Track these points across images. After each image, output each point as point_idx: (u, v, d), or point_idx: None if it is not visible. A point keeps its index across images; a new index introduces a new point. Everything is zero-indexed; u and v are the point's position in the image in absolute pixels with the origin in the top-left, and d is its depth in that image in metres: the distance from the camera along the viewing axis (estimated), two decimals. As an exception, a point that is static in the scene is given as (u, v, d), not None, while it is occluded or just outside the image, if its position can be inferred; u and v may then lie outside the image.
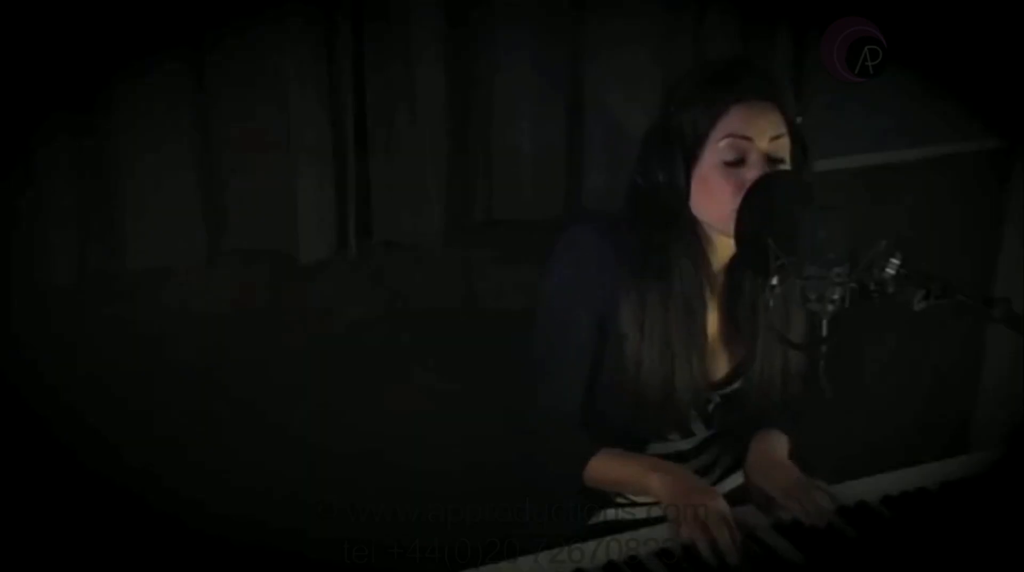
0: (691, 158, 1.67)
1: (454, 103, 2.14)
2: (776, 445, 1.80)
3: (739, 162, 1.65)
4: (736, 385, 1.83)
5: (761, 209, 1.56)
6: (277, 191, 2.04)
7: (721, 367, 1.82)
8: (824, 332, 1.46)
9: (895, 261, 1.45)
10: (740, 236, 1.59)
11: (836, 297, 1.44)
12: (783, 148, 1.67)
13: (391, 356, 2.30)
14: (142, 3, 1.86)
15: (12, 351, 2.00)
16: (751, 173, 1.63)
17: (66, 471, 2.06)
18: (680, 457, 1.87)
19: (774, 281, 1.51)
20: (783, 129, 1.67)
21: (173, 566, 2.17)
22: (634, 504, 1.84)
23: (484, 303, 2.28)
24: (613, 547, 1.59)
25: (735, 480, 1.94)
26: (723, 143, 1.64)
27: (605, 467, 1.74)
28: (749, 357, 1.81)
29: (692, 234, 1.72)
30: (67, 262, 1.95)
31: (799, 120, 1.70)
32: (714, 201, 1.66)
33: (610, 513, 1.86)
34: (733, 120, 1.64)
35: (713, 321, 1.79)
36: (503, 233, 2.27)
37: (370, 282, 2.25)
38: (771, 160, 1.65)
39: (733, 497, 1.84)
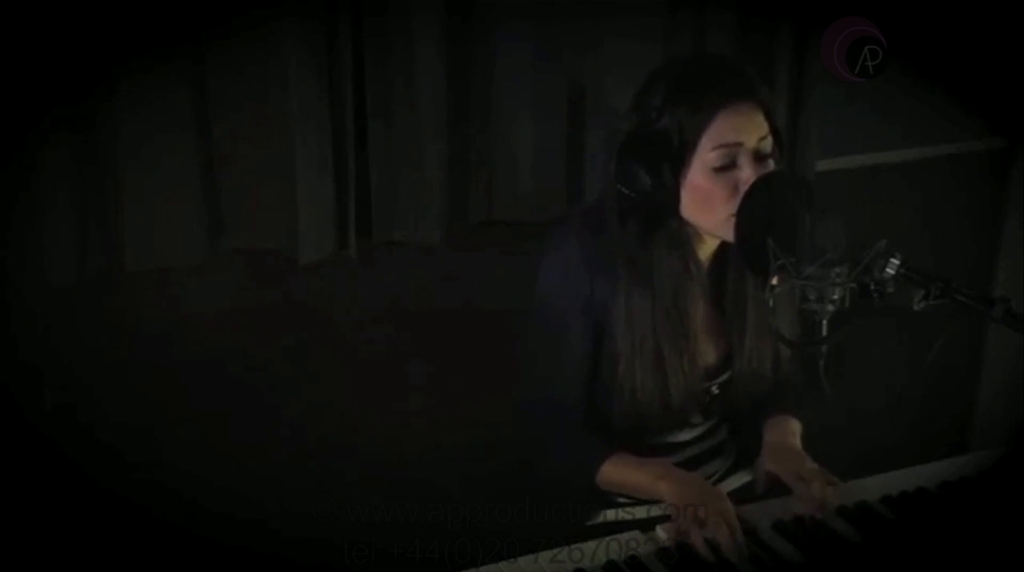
0: (678, 165, 1.65)
1: (454, 103, 2.14)
2: (790, 432, 1.81)
3: (730, 166, 1.65)
4: (728, 373, 1.83)
5: (761, 210, 1.56)
6: (277, 191, 2.04)
7: (712, 358, 1.82)
8: (824, 332, 1.46)
9: (895, 261, 1.45)
10: (740, 237, 1.59)
11: (836, 297, 1.44)
12: (770, 145, 1.67)
13: (391, 356, 2.30)
14: (141, 0, 1.86)
15: (11, 352, 2.00)
16: (743, 174, 1.63)
17: (63, 472, 2.06)
18: (677, 448, 1.87)
19: (774, 281, 1.51)
20: (767, 127, 1.66)
21: (171, 568, 2.17)
22: (634, 504, 1.84)
23: (484, 303, 2.28)
24: (613, 547, 1.60)
25: (740, 479, 1.95)
26: (713, 154, 1.64)
27: (617, 472, 1.74)
28: (738, 344, 1.81)
29: (680, 233, 1.72)
30: (66, 262, 1.95)
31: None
32: (708, 207, 1.66)
33: (610, 513, 1.86)
34: (721, 128, 1.63)
35: (701, 313, 1.80)
36: (503, 233, 2.27)
37: (370, 282, 2.25)
38: (760, 157, 1.65)
39: (738, 495, 1.85)
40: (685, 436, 1.89)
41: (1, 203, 1.87)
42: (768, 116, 1.67)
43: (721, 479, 1.93)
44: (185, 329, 2.12)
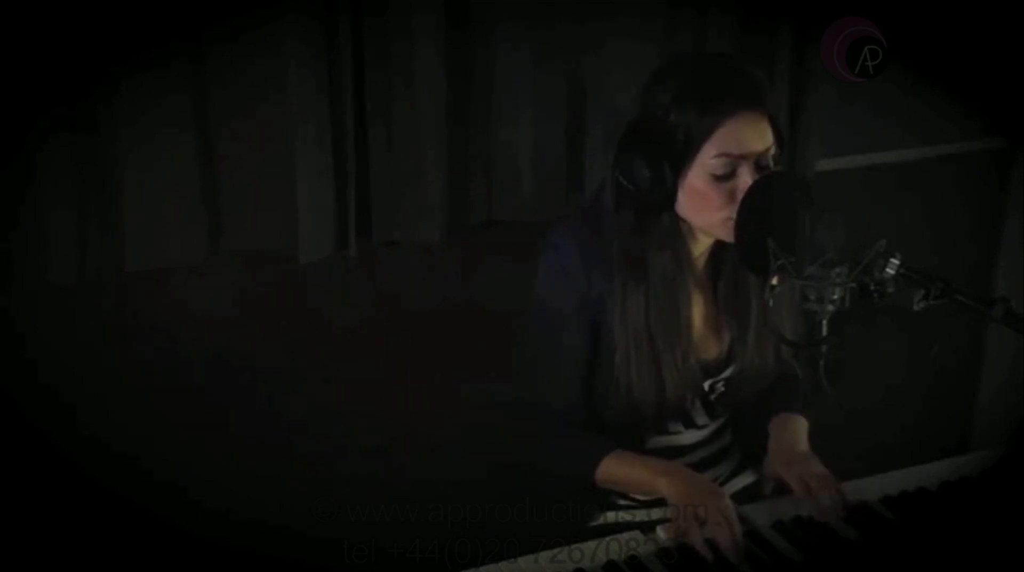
0: (678, 165, 1.65)
1: (454, 104, 2.14)
2: (797, 432, 1.81)
3: (730, 174, 1.64)
4: (732, 369, 1.83)
5: (761, 210, 1.56)
6: (277, 191, 2.04)
7: (713, 354, 1.82)
8: (824, 332, 1.46)
9: (895, 261, 1.45)
10: (740, 237, 1.59)
11: (836, 297, 1.44)
12: (772, 156, 1.67)
13: (391, 356, 2.30)
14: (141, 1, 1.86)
15: (12, 351, 2.00)
16: (742, 182, 1.63)
17: (63, 472, 2.06)
18: (685, 451, 1.87)
19: (774, 281, 1.51)
20: (771, 137, 1.66)
21: (171, 568, 2.17)
22: (635, 506, 1.84)
23: (484, 303, 2.28)
24: (613, 547, 1.60)
25: (744, 479, 1.95)
26: (715, 161, 1.63)
27: (616, 468, 1.74)
28: (740, 341, 1.81)
29: (674, 228, 1.72)
30: (66, 262, 1.95)
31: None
32: (704, 210, 1.67)
33: (610, 515, 1.86)
34: (726, 137, 1.63)
35: (698, 309, 1.80)
36: (503, 233, 2.27)
37: (370, 282, 2.25)
38: (760, 167, 1.65)
39: (742, 496, 1.85)
40: (691, 438, 1.88)
41: (2, 203, 1.87)
42: (773, 124, 1.67)
43: (726, 480, 1.93)
44: (185, 329, 2.12)
